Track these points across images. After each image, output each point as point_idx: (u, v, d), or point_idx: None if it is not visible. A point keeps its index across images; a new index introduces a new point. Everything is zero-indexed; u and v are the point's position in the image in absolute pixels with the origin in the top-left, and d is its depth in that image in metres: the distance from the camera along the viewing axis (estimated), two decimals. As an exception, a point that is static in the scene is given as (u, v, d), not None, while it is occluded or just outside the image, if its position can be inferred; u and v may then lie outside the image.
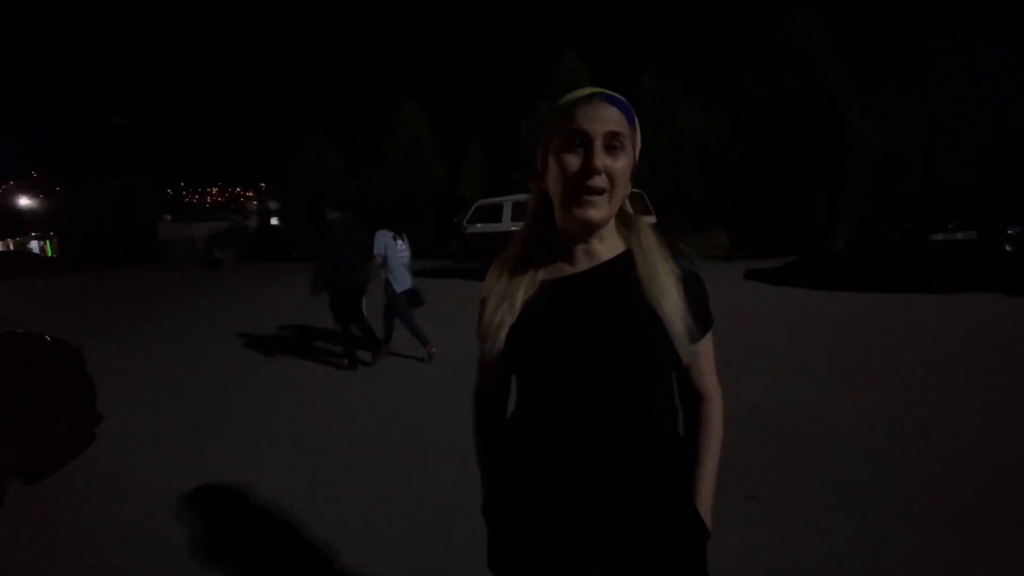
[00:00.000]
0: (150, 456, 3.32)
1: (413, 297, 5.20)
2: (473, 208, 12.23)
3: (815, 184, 12.91)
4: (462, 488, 2.70)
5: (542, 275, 0.93)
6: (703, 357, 0.96)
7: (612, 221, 0.93)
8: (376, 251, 4.99)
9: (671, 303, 0.86)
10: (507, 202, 11.68)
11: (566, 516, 0.87)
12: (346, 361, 5.10)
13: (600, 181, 0.84)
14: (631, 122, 0.89)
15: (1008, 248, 7.71)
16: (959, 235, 7.95)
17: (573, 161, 0.85)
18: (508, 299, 0.92)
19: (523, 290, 0.92)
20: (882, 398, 3.65)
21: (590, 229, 0.90)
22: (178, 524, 2.53)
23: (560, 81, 15.69)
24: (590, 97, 0.86)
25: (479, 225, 11.96)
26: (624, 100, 0.89)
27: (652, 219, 10.30)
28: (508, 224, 11.47)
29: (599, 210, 0.86)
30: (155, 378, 5.15)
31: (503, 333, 0.90)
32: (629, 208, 0.96)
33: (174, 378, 5.12)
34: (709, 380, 0.98)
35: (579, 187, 0.85)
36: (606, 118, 0.85)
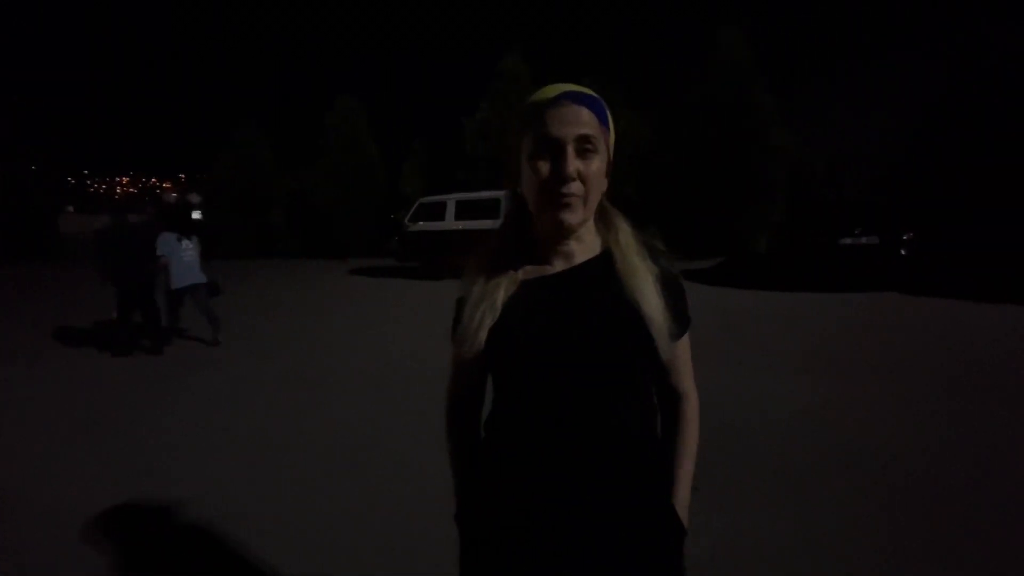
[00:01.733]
0: (47, 475, 3.02)
1: (212, 288, 6.05)
2: (415, 206, 12.06)
3: (740, 190, 13.79)
4: (395, 492, 2.67)
5: (521, 275, 0.92)
6: (681, 357, 0.97)
7: (590, 221, 0.93)
8: (160, 251, 5.62)
9: (651, 302, 0.86)
10: (450, 200, 11.61)
11: (544, 517, 0.86)
12: (148, 344, 5.76)
13: (574, 187, 0.84)
14: (603, 120, 0.87)
15: (903, 252, 8.68)
16: (863, 240, 8.80)
17: (545, 167, 0.84)
18: (488, 299, 0.90)
19: (503, 290, 0.90)
20: (813, 388, 3.99)
21: (567, 232, 0.89)
22: (83, 545, 2.33)
23: (502, 81, 15.78)
24: (558, 99, 0.84)
25: (421, 223, 11.81)
26: (595, 96, 0.87)
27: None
28: (452, 222, 11.42)
29: (575, 214, 0.86)
30: (48, 393, 4.68)
31: (483, 334, 0.88)
32: (608, 206, 0.96)
33: (76, 391, 4.69)
34: (687, 380, 0.99)
35: (553, 193, 0.84)
36: (576, 121, 0.83)
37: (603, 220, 0.96)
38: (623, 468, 0.87)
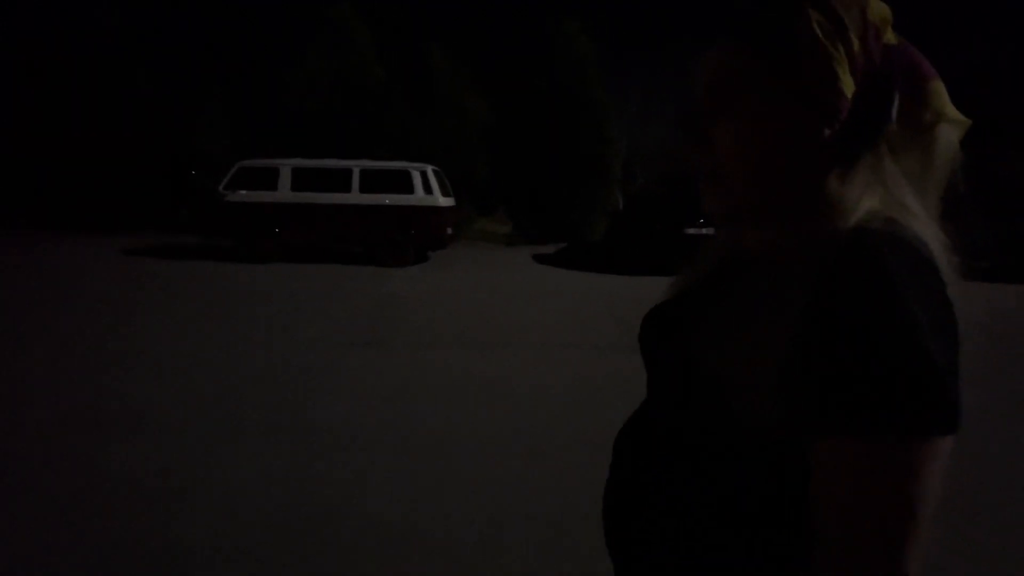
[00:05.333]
0: None
1: None
2: (234, 169, 9.58)
3: (580, 177, 14.39)
4: None
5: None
6: (824, 473, 0.46)
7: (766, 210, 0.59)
8: None
9: (734, 351, 0.53)
10: (284, 166, 9.51)
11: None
12: None
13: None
14: (758, 48, 0.53)
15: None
16: (705, 230, 9.82)
17: None
18: None
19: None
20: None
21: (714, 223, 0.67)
22: None
23: (330, 31, 13.58)
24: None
25: (243, 192, 9.44)
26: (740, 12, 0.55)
27: (451, 200, 9.80)
28: (287, 193, 9.36)
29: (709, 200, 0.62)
30: None
31: None
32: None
33: None
34: (832, 525, 0.45)
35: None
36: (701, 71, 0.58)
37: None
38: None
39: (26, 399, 3.38)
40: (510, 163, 13.95)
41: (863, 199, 0.48)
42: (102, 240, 11.85)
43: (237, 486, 2.47)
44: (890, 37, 0.52)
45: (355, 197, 9.33)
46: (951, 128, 0.51)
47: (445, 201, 9.60)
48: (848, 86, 0.49)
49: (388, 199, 9.31)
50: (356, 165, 9.55)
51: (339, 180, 9.40)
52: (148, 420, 3.11)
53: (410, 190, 9.35)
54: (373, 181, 9.40)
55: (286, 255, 9.55)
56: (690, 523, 0.52)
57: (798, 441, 0.45)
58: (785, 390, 0.44)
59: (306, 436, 2.99)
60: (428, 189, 9.39)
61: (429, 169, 9.54)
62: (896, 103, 0.49)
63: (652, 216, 10.95)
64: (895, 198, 0.49)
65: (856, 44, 0.49)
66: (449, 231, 9.72)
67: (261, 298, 6.67)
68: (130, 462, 2.65)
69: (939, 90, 0.51)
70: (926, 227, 0.48)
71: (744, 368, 0.47)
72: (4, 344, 4.46)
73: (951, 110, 0.51)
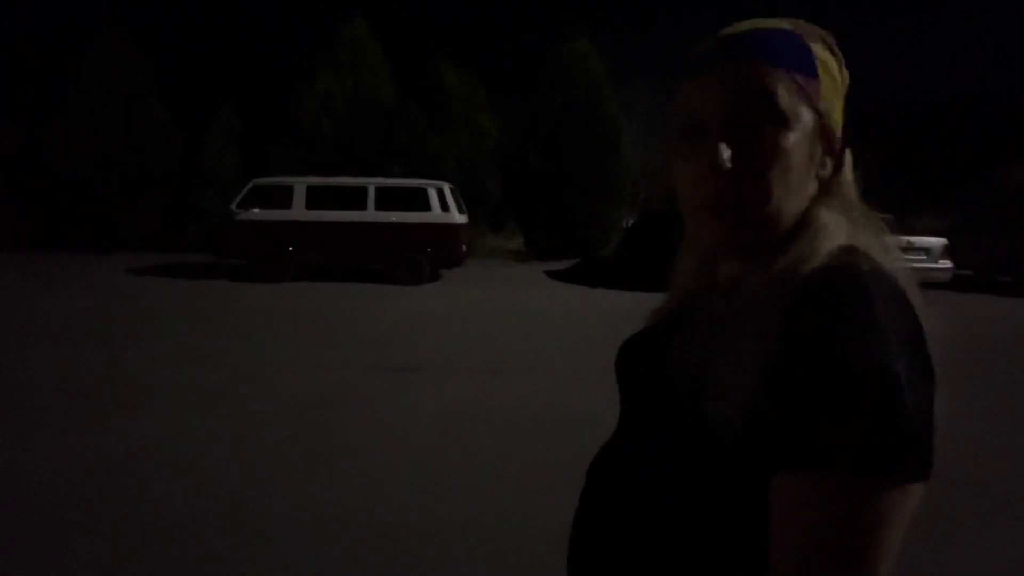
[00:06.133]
0: None
1: None
2: (248, 187, 9.46)
3: (592, 193, 14.32)
4: None
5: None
6: (782, 509, 0.43)
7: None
8: None
9: (721, 379, 0.50)
10: (299, 184, 9.39)
11: None
12: None
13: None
14: (788, 65, 0.51)
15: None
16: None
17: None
18: None
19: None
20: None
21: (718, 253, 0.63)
22: None
23: (345, 50, 13.62)
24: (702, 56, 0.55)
25: (256, 211, 9.31)
26: (766, 31, 0.52)
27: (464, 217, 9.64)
28: (302, 211, 9.23)
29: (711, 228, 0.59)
30: None
31: None
32: (815, 217, 0.58)
33: None
34: (780, 561, 0.42)
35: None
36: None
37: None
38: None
39: (38, 438, 3.17)
40: (521, 179, 13.87)
41: (842, 228, 0.51)
42: (104, 259, 11.70)
43: (290, 525, 2.25)
44: None
45: (371, 215, 9.20)
46: (851, 170, 0.55)
47: (461, 218, 9.48)
48: (839, 125, 0.53)
49: (404, 217, 9.18)
50: (372, 183, 9.43)
51: (354, 198, 9.27)
52: (178, 463, 2.90)
53: (427, 207, 9.22)
54: (389, 199, 9.27)
55: (298, 274, 9.39)
56: (657, 549, 0.51)
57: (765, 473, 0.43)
58: (757, 419, 0.43)
59: (357, 467, 2.78)
60: (445, 206, 9.26)
61: (446, 186, 9.42)
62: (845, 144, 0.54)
63: (664, 232, 10.83)
64: (864, 231, 0.51)
65: (844, 89, 0.53)
66: (464, 248, 9.58)
67: (279, 319, 6.48)
68: (169, 506, 2.43)
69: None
70: (893, 257, 0.49)
71: (723, 394, 0.45)
72: (17, 375, 4.27)
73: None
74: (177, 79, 14.93)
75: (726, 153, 0.49)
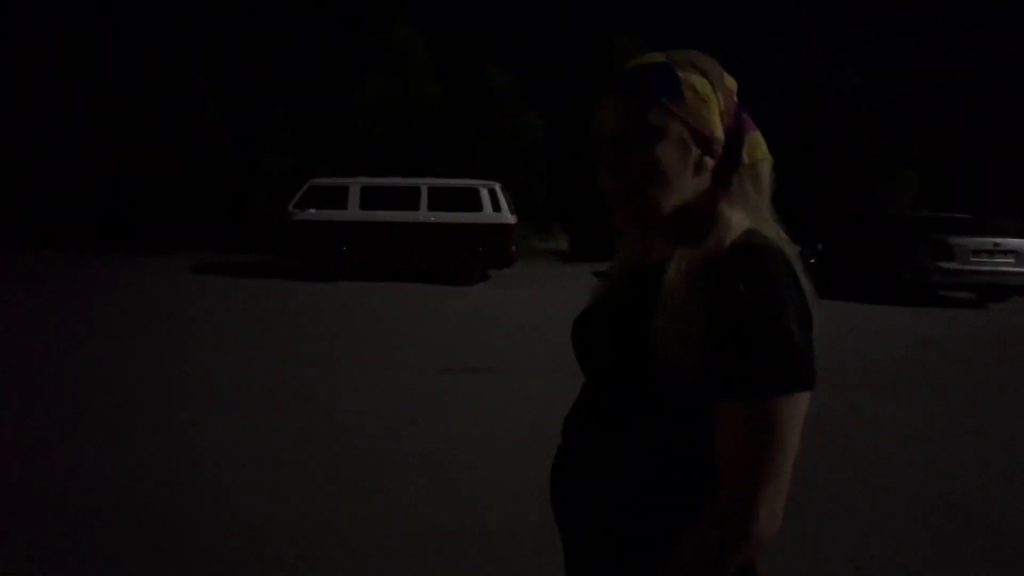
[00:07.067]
0: None
1: None
2: (305, 188, 9.68)
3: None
4: None
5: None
6: (723, 431, 0.61)
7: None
8: None
9: (664, 324, 0.68)
10: (354, 185, 9.55)
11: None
12: None
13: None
14: (649, 92, 0.68)
15: (812, 260, 9.35)
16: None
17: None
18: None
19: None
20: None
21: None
22: None
23: (394, 54, 13.82)
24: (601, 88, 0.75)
25: (312, 211, 9.52)
26: (637, 68, 0.70)
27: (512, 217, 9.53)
28: (356, 212, 9.38)
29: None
30: None
31: None
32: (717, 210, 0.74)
33: None
34: (726, 473, 0.60)
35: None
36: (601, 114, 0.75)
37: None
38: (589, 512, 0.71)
39: (100, 438, 3.26)
40: (568, 180, 13.76)
41: (741, 216, 0.66)
42: (169, 259, 12.18)
43: (365, 541, 2.22)
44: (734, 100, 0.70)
45: (423, 215, 9.27)
46: (767, 164, 0.70)
47: (512, 218, 9.43)
48: (719, 130, 0.67)
49: (456, 217, 9.21)
50: (424, 183, 9.50)
51: (407, 198, 9.36)
52: (252, 469, 2.92)
53: (478, 207, 9.22)
54: (441, 199, 9.32)
55: (350, 273, 9.53)
56: (625, 481, 0.66)
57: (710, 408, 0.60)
58: (702, 365, 0.60)
59: (444, 480, 2.74)
60: (496, 206, 9.24)
61: (497, 186, 9.40)
62: (745, 147, 0.68)
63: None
64: (760, 215, 0.67)
65: (722, 102, 0.67)
66: (514, 248, 9.54)
67: (339, 319, 6.57)
68: (243, 514, 2.44)
69: (759, 139, 0.70)
70: (780, 235, 0.65)
71: (674, 347, 0.61)
72: (102, 368, 4.44)
73: (766, 152, 0.70)
74: (235, 87, 15.48)
75: (613, 161, 0.67)
